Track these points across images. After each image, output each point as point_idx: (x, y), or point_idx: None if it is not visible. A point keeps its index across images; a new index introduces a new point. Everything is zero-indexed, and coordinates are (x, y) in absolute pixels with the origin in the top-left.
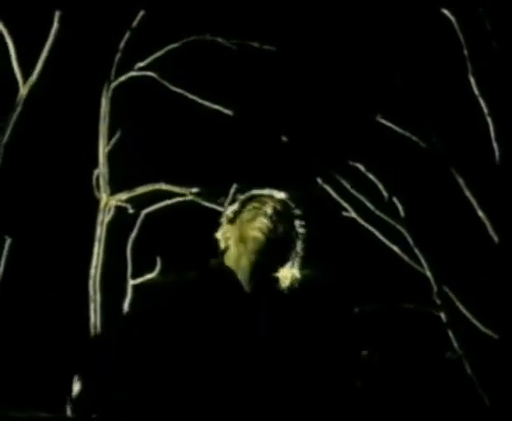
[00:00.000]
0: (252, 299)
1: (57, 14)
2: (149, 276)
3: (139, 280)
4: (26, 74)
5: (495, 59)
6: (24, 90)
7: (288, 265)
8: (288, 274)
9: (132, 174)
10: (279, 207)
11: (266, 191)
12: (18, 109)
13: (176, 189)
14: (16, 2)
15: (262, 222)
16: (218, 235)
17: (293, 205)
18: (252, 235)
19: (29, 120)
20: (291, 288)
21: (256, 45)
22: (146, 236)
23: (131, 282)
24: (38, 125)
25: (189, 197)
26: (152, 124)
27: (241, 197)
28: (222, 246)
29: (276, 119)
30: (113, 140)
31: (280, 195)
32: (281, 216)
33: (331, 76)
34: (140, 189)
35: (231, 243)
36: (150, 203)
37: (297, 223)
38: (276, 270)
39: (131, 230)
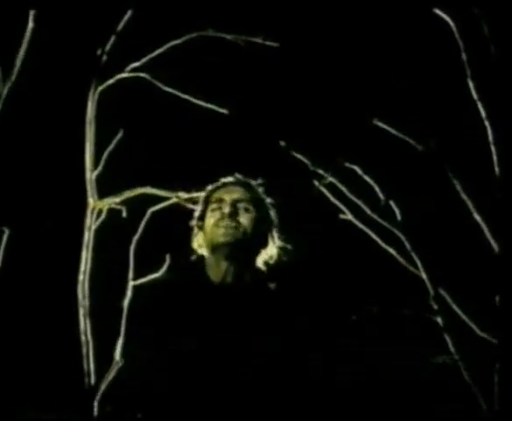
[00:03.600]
0: (236, 298)
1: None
2: (152, 276)
3: (141, 280)
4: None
5: (494, 63)
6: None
7: (270, 240)
8: (272, 250)
9: (120, 177)
10: (236, 196)
11: (221, 182)
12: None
13: (162, 193)
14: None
15: (225, 225)
16: (194, 245)
17: (249, 183)
18: (220, 242)
19: (21, 125)
20: (273, 264)
21: (259, 40)
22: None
23: (131, 283)
24: (31, 130)
25: (175, 201)
26: (142, 127)
27: (201, 195)
28: (200, 253)
29: (271, 121)
30: (102, 144)
31: (236, 181)
32: (242, 204)
33: (328, 78)
34: (127, 194)
35: (206, 251)
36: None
37: (261, 199)
38: (258, 253)
39: (135, 231)
